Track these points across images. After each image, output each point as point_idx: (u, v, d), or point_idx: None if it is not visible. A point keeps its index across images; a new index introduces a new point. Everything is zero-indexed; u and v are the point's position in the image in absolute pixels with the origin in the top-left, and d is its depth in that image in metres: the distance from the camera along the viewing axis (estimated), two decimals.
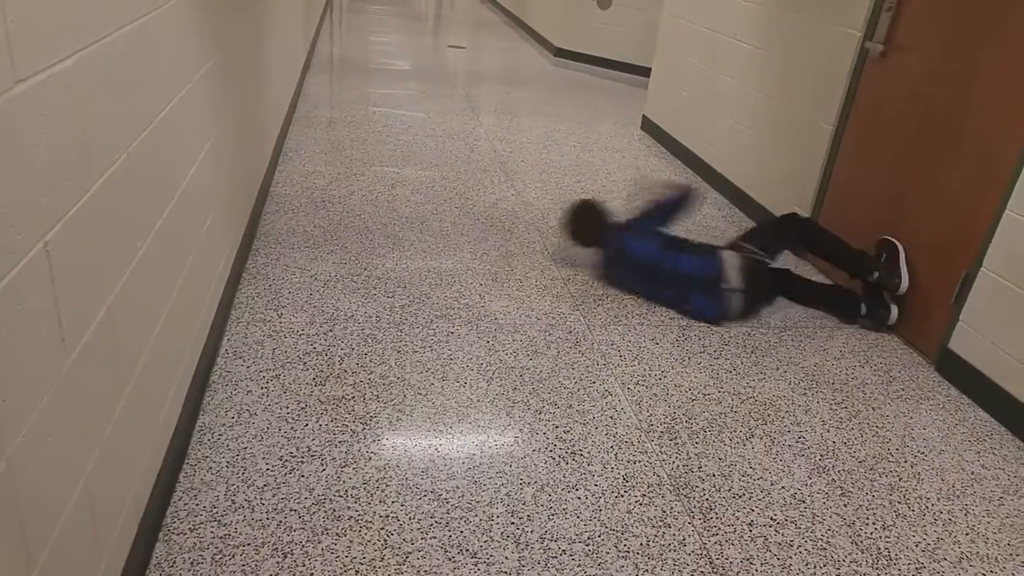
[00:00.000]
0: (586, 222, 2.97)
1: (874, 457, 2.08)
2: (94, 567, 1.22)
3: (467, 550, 1.59)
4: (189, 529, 1.55)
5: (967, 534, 1.83)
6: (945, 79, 2.64)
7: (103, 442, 1.26)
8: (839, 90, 3.16)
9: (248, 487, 1.68)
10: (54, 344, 1.07)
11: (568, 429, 2.03)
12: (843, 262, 2.91)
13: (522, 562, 1.58)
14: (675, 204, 3.00)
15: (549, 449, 1.94)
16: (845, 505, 1.88)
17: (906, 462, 2.07)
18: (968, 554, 1.76)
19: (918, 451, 2.13)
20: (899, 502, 1.91)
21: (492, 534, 1.64)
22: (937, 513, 1.89)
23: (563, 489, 1.81)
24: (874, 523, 1.83)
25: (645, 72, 5.58)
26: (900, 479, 2.00)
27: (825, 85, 3.25)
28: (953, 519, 1.87)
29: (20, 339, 0.97)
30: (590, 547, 1.64)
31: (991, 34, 2.45)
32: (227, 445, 1.81)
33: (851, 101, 3.12)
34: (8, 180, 0.94)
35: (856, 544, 1.75)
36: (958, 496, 1.96)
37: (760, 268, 2.78)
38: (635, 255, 2.81)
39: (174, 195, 1.74)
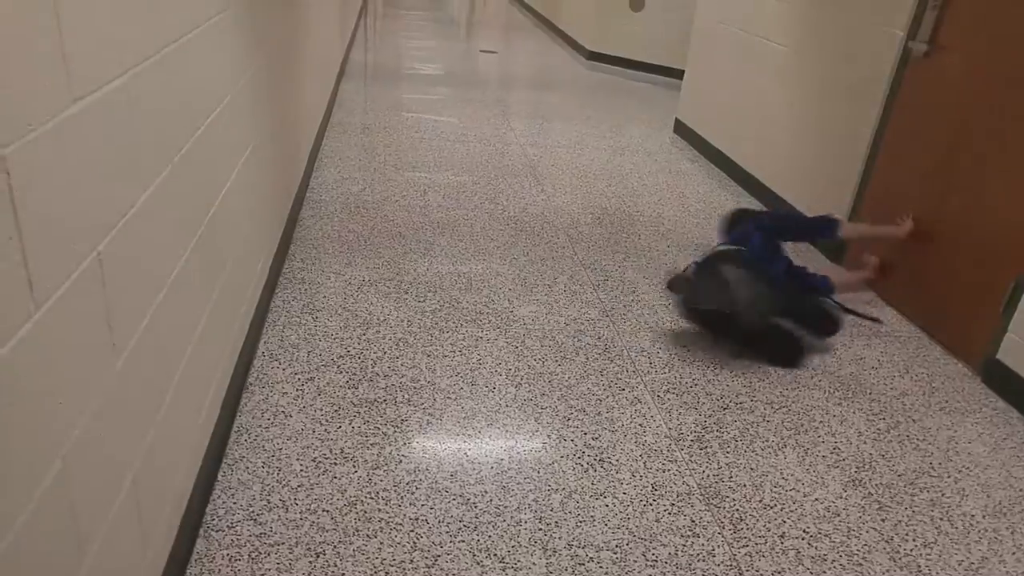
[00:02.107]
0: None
1: (914, 471, 2.04)
2: (140, 560, 1.27)
3: (495, 555, 1.61)
4: (227, 527, 1.60)
5: (1014, 553, 1.78)
6: (993, 81, 2.56)
7: (148, 441, 1.30)
8: (879, 92, 3.10)
9: (283, 487, 1.73)
10: (105, 348, 1.12)
11: (597, 436, 2.04)
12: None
13: (549, 568, 1.59)
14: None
15: (577, 456, 1.95)
16: (883, 520, 1.84)
17: (949, 477, 2.03)
18: (1014, 574, 1.72)
19: (962, 466, 2.08)
20: (941, 518, 1.87)
21: (520, 539, 1.65)
22: (982, 531, 1.84)
23: (591, 496, 1.81)
24: (914, 539, 1.79)
25: (678, 75, 5.55)
26: (942, 494, 1.95)
27: (865, 86, 3.19)
28: (999, 538, 1.83)
29: (75, 343, 1.01)
30: (618, 555, 1.64)
31: None
32: (263, 446, 1.86)
33: (892, 103, 3.06)
34: (66, 193, 0.98)
35: (894, 561, 1.72)
36: (1005, 514, 1.91)
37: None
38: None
39: (215, 202, 1.79)
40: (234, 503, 1.66)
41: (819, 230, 2.97)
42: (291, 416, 1.98)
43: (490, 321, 2.57)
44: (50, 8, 0.94)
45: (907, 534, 1.80)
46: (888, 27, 3.05)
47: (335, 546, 1.58)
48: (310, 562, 1.53)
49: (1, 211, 0.83)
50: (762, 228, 2.71)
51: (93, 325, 1.08)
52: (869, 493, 1.93)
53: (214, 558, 1.52)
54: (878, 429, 2.20)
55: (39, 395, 0.92)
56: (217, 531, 1.59)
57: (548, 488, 1.82)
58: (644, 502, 1.81)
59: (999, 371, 2.44)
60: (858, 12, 3.28)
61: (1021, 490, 2.00)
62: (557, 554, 1.63)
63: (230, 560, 1.52)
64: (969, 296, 2.61)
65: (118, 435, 1.17)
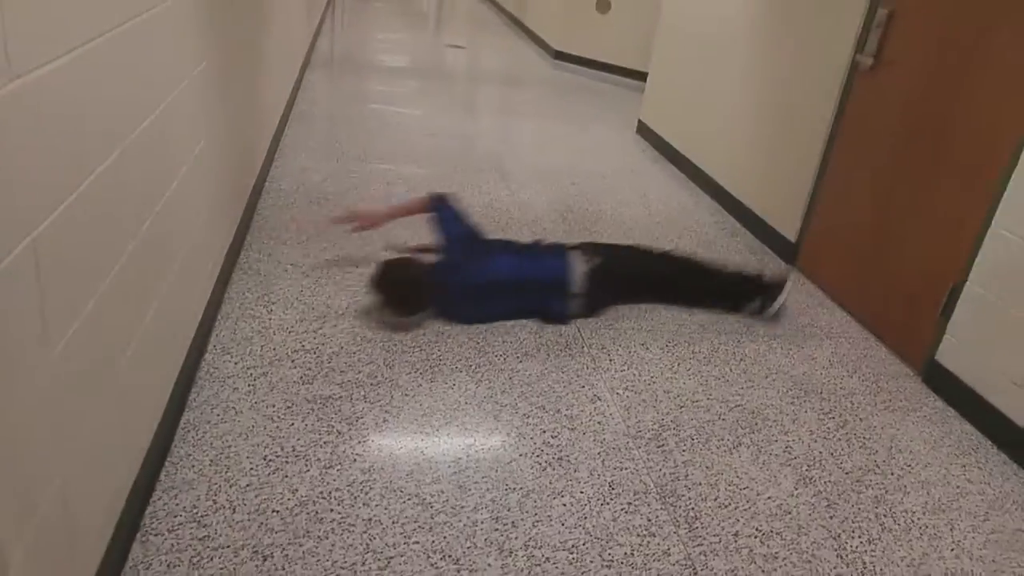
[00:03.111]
0: (408, 284, 2.44)
1: (861, 469, 2.08)
2: (67, 566, 1.20)
3: (450, 556, 1.58)
4: (167, 530, 1.54)
5: (952, 549, 1.83)
6: (932, 93, 2.65)
7: (83, 440, 1.24)
8: (831, 102, 3.17)
9: (230, 487, 1.67)
10: (37, 340, 1.06)
11: (556, 434, 2.03)
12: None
13: (505, 569, 1.57)
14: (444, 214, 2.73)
15: (536, 454, 1.94)
16: (831, 517, 1.88)
17: (892, 474, 2.08)
18: (953, 570, 1.77)
19: (904, 464, 2.14)
20: (885, 515, 1.91)
21: (476, 540, 1.64)
22: (923, 527, 1.89)
23: (549, 495, 1.80)
24: (859, 536, 1.83)
25: (642, 77, 5.59)
26: (886, 491, 2.00)
27: (817, 96, 3.27)
28: (939, 534, 1.88)
29: (2, 336, 0.96)
30: (574, 555, 1.64)
31: (977, 50, 2.46)
32: (211, 443, 1.80)
33: (842, 113, 3.14)
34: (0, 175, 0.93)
35: (841, 558, 1.75)
36: (943, 510, 1.96)
37: (606, 270, 2.64)
38: (491, 278, 2.54)
39: (166, 192, 1.73)
40: (176, 504, 1.60)
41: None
42: (242, 412, 1.92)
43: None
44: None
45: (853, 531, 1.84)
46: (838, 40, 3.13)
47: (284, 548, 1.53)
48: (256, 566, 1.49)
49: None
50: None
51: (24, 316, 1.02)
52: (819, 491, 1.97)
53: (151, 564, 1.45)
54: (828, 428, 2.25)
55: None
56: (156, 535, 1.52)
57: (506, 487, 1.81)
58: (601, 501, 1.81)
59: (938, 372, 2.52)
60: (812, 25, 3.36)
61: (958, 487, 2.06)
62: (513, 555, 1.61)
63: (168, 566, 1.46)
64: (911, 300, 2.69)
65: (47, 432, 1.11)
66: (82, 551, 1.26)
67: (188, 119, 1.96)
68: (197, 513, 1.59)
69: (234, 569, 1.47)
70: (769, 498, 1.91)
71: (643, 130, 5.30)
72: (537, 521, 1.71)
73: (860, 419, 2.32)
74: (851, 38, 3.05)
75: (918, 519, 1.92)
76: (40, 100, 1.04)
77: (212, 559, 1.48)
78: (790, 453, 2.10)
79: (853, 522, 1.87)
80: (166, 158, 1.74)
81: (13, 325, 0.99)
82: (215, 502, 1.62)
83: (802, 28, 3.45)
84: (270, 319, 2.37)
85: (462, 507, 1.72)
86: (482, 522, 1.68)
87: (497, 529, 1.67)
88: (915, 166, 2.72)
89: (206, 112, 2.19)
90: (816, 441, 2.17)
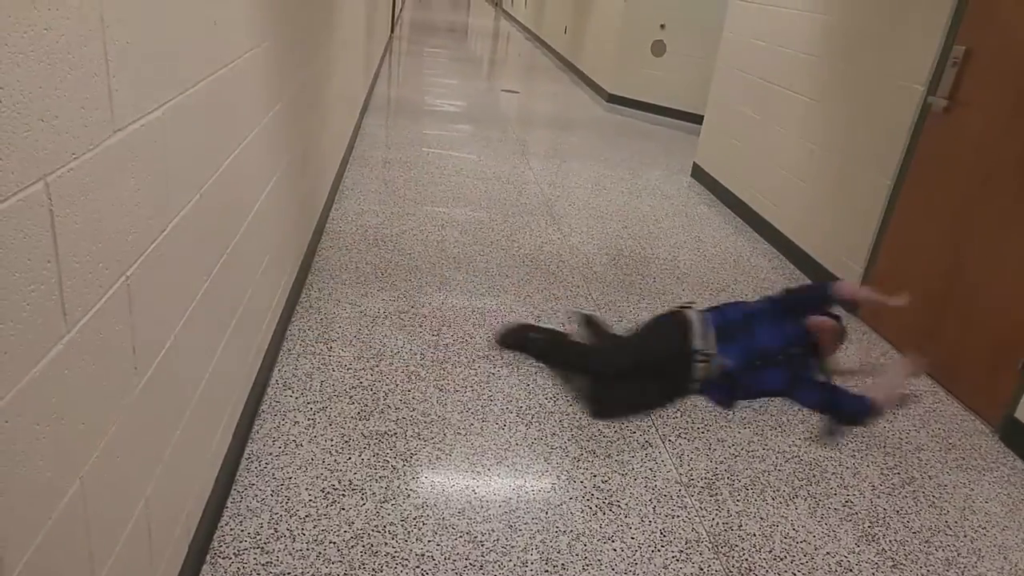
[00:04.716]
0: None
1: (930, 529, 2.00)
2: None
3: None
4: (234, 554, 1.60)
5: None
6: (1012, 136, 2.58)
7: (162, 466, 1.32)
8: (899, 145, 3.13)
9: (291, 517, 1.73)
10: (128, 372, 1.14)
11: (606, 479, 2.02)
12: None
13: None
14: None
15: (586, 498, 1.94)
16: None
17: (965, 536, 1.99)
18: None
19: (979, 525, 2.04)
20: None
21: None
22: None
23: (599, 540, 1.79)
24: None
25: (697, 120, 5.62)
26: (958, 554, 1.91)
27: (883, 139, 3.22)
28: None
29: (100, 365, 1.04)
30: None
31: None
32: (273, 474, 1.86)
33: (911, 157, 3.08)
34: (102, 219, 1.02)
35: None
36: None
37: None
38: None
39: (238, 232, 1.84)
40: (242, 530, 1.66)
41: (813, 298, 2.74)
42: (302, 445, 1.99)
43: (503, 358, 2.58)
44: (99, 43, 0.99)
45: None
46: (908, 81, 3.09)
47: None
48: None
49: (41, 236, 0.86)
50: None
51: (119, 348, 1.10)
52: (883, 549, 1.89)
53: None
54: (892, 484, 2.17)
55: (64, 414, 0.94)
56: (224, 558, 1.58)
57: (556, 529, 1.81)
58: (652, 548, 1.79)
59: (1018, 430, 2.40)
60: (879, 66, 3.33)
61: None
62: None
63: None
64: (987, 352, 2.59)
65: (134, 457, 1.19)
66: (160, 567, 1.32)
67: (260, 162, 2.09)
68: (260, 540, 1.64)
69: None
70: (828, 554, 1.85)
71: (698, 173, 5.31)
72: (587, 565, 1.71)
73: (929, 476, 2.23)
74: (923, 78, 3.01)
75: None
76: (136, 149, 1.15)
77: None
78: (851, 508, 2.04)
79: None
80: (238, 201, 1.85)
81: (109, 358, 1.07)
82: (276, 530, 1.68)
83: (868, 69, 3.42)
84: (329, 356, 2.45)
85: (512, 547, 1.73)
86: (532, 563, 1.69)
87: (547, 571, 1.67)
88: (994, 212, 2.63)
89: (276, 154, 2.32)
90: (879, 497, 2.10)
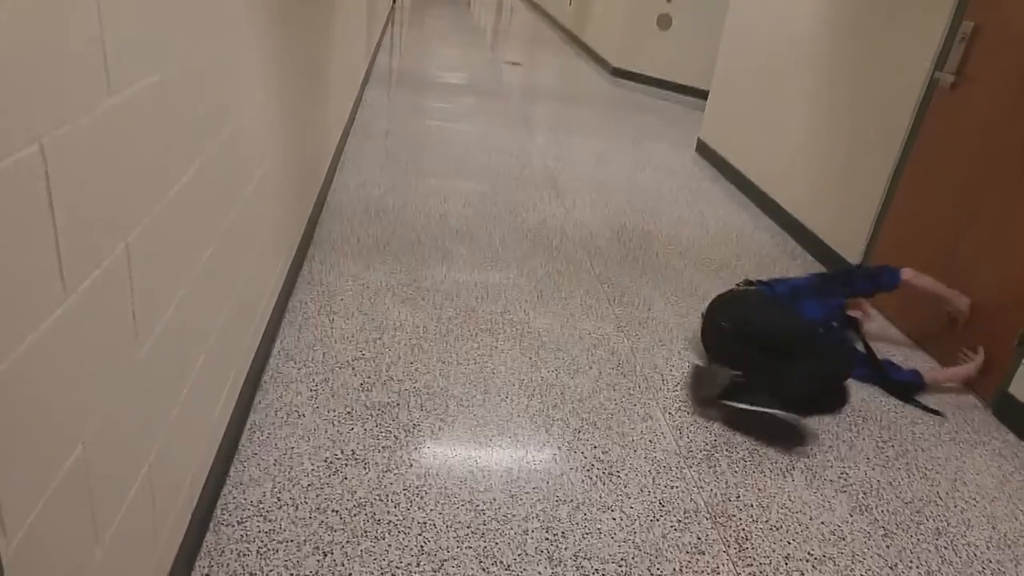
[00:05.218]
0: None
1: (921, 499, 2.02)
2: (151, 548, 1.29)
3: (501, 562, 1.61)
4: (237, 522, 1.62)
5: None
6: (1018, 114, 2.55)
7: (165, 433, 1.33)
8: (904, 121, 3.09)
9: (293, 486, 1.75)
10: (129, 338, 1.15)
11: (607, 450, 2.04)
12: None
13: None
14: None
15: (586, 468, 1.96)
16: (888, 546, 1.83)
17: (956, 507, 2.01)
18: None
19: (969, 496, 2.06)
20: (946, 547, 1.85)
21: (526, 548, 1.66)
22: (986, 562, 1.82)
23: (599, 509, 1.82)
24: (918, 567, 1.78)
25: (703, 95, 5.57)
26: (948, 524, 1.94)
27: (889, 115, 3.19)
28: (1003, 570, 1.81)
29: (100, 332, 1.04)
30: (623, 569, 1.65)
31: None
32: (275, 444, 1.88)
33: (916, 133, 3.05)
34: (100, 183, 1.02)
35: None
36: (1010, 546, 1.89)
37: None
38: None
39: (239, 201, 1.83)
40: (244, 499, 1.69)
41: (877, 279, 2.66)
42: (304, 416, 2.01)
43: (505, 331, 2.59)
44: (94, 5, 0.98)
45: (911, 562, 1.79)
46: (916, 58, 3.04)
47: (343, 546, 1.60)
48: (318, 560, 1.55)
49: (37, 200, 0.86)
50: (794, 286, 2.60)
51: (118, 315, 1.11)
52: (875, 519, 1.92)
53: (223, 552, 1.54)
54: (887, 456, 2.19)
55: (64, 381, 0.95)
56: (227, 525, 1.61)
57: (556, 499, 1.83)
58: (651, 517, 1.81)
59: (1011, 405, 2.42)
60: (887, 42, 3.28)
61: None
62: (563, 564, 1.63)
63: (239, 555, 1.54)
64: (984, 327, 2.59)
65: (137, 424, 1.20)
66: (164, 534, 1.35)
67: (260, 131, 2.08)
68: (263, 508, 1.67)
69: (298, 562, 1.54)
70: (823, 523, 1.87)
71: (702, 149, 5.27)
72: (587, 533, 1.73)
73: (922, 449, 2.25)
74: (930, 54, 2.96)
75: (982, 553, 1.85)
76: (133, 113, 1.14)
77: (278, 551, 1.56)
78: (846, 479, 2.06)
79: (911, 553, 1.82)
80: (239, 170, 1.85)
81: (109, 324, 1.08)
82: (279, 499, 1.70)
83: (875, 44, 3.37)
84: (331, 328, 2.46)
85: (513, 516, 1.75)
86: (533, 531, 1.71)
87: (547, 539, 1.70)
88: (998, 190, 2.61)
89: (278, 124, 2.31)
90: (873, 469, 2.12)
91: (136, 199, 1.16)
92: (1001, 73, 2.65)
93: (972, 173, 2.74)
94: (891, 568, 1.76)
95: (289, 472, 1.79)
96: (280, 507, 1.68)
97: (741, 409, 2.16)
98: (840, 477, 2.06)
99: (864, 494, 2.01)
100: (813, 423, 2.30)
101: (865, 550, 1.81)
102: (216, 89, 1.58)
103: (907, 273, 2.62)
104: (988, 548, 1.87)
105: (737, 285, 2.66)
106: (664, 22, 7.37)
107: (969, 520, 1.97)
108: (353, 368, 2.25)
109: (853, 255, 3.35)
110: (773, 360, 2.30)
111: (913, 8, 3.11)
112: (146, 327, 1.22)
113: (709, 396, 2.24)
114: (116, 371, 1.10)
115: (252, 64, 1.91)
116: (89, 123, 0.98)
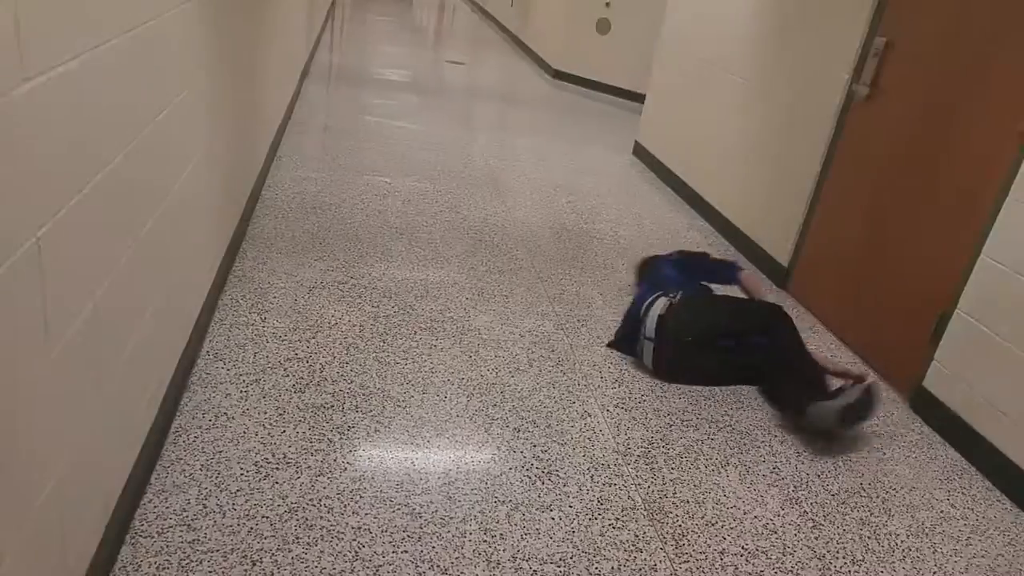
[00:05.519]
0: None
1: (847, 491, 2.10)
2: (58, 567, 1.20)
3: (438, 566, 1.59)
4: (157, 532, 1.53)
5: (934, 572, 1.85)
6: (926, 123, 2.71)
7: (78, 442, 1.25)
8: (826, 129, 3.23)
9: (221, 491, 1.67)
10: (39, 338, 1.07)
11: (546, 449, 2.04)
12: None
13: None
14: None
15: (525, 468, 1.95)
16: (816, 538, 1.89)
17: (878, 497, 2.10)
18: None
19: (890, 487, 2.16)
20: (869, 537, 1.93)
21: (464, 551, 1.64)
22: (906, 550, 1.91)
23: (537, 509, 1.81)
24: (844, 557, 1.85)
25: (640, 98, 5.66)
26: (871, 514, 2.02)
27: (813, 123, 3.33)
28: (922, 556, 1.90)
29: (7, 331, 0.97)
30: (562, 569, 1.64)
31: (971, 81, 2.53)
32: (202, 448, 1.80)
33: (837, 140, 3.19)
34: (7, 174, 0.94)
35: None
36: (927, 534, 1.99)
37: (688, 321, 2.48)
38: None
39: (166, 196, 1.74)
40: (166, 507, 1.60)
41: (721, 273, 2.95)
42: (233, 419, 1.93)
43: (445, 329, 2.56)
44: None
45: (838, 552, 1.86)
46: (835, 69, 3.19)
47: (273, 554, 1.54)
48: (246, 570, 1.49)
49: None
50: (672, 262, 2.90)
51: (27, 313, 1.03)
52: (805, 511, 1.98)
53: (140, 566, 1.45)
54: (815, 450, 2.27)
55: None
56: (146, 537, 1.52)
57: (495, 500, 1.81)
58: (590, 516, 1.82)
59: (926, 399, 2.55)
60: (810, 51, 3.42)
61: (942, 512, 2.09)
62: (501, 566, 1.62)
63: (157, 568, 1.45)
64: (901, 326, 2.73)
65: (45, 433, 1.11)
66: (73, 551, 1.26)
67: (190, 124, 1.98)
68: (187, 517, 1.58)
69: (223, 572, 1.47)
70: (756, 518, 1.92)
71: (639, 151, 5.36)
72: (525, 534, 1.72)
73: (847, 443, 2.34)
74: (848, 67, 3.12)
75: (902, 542, 1.94)
76: (50, 102, 1.06)
77: (201, 562, 1.48)
78: (777, 474, 2.12)
79: (838, 543, 1.89)
80: (166, 164, 1.76)
81: (16, 324, 1.00)
82: (205, 506, 1.62)
83: (799, 55, 3.51)
84: (263, 327, 2.37)
85: (451, 518, 1.73)
86: (470, 533, 1.69)
87: (485, 541, 1.68)
88: (907, 195, 2.77)
89: (208, 118, 2.21)
90: (804, 463, 2.19)
91: (50, 191, 1.08)
92: (910, 86, 2.82)
93: (886, 177, 2.89)
94: (819, 559, 1.83)
95: (216, 477, 1.71)
96: (206, 514, 1.60)
97: (855, 408, 2.22)
98: (772, 472, 2.13)
99: (794, 487, 2.08)
100: (746, 423, 2.36)
101: (796, 542, 1.87)
102: (141, 78, 1.49)
103: (743, 275, 2.94)
104: (908, 536, 1.96)
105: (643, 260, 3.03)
106: (603, 26, 7.47)
107: (890, 510, 2.06)
108: (285, 368, 2.18)
109: (782, 254, 3.47)
110: (738, 354, 2.51)
111: (833, 22, 3.25)
112: (59, 328, 1.14)
113: (829, 429, 2.27)
114: (22, 376, 1.02)
115: (182, 52, 1.82)
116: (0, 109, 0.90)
